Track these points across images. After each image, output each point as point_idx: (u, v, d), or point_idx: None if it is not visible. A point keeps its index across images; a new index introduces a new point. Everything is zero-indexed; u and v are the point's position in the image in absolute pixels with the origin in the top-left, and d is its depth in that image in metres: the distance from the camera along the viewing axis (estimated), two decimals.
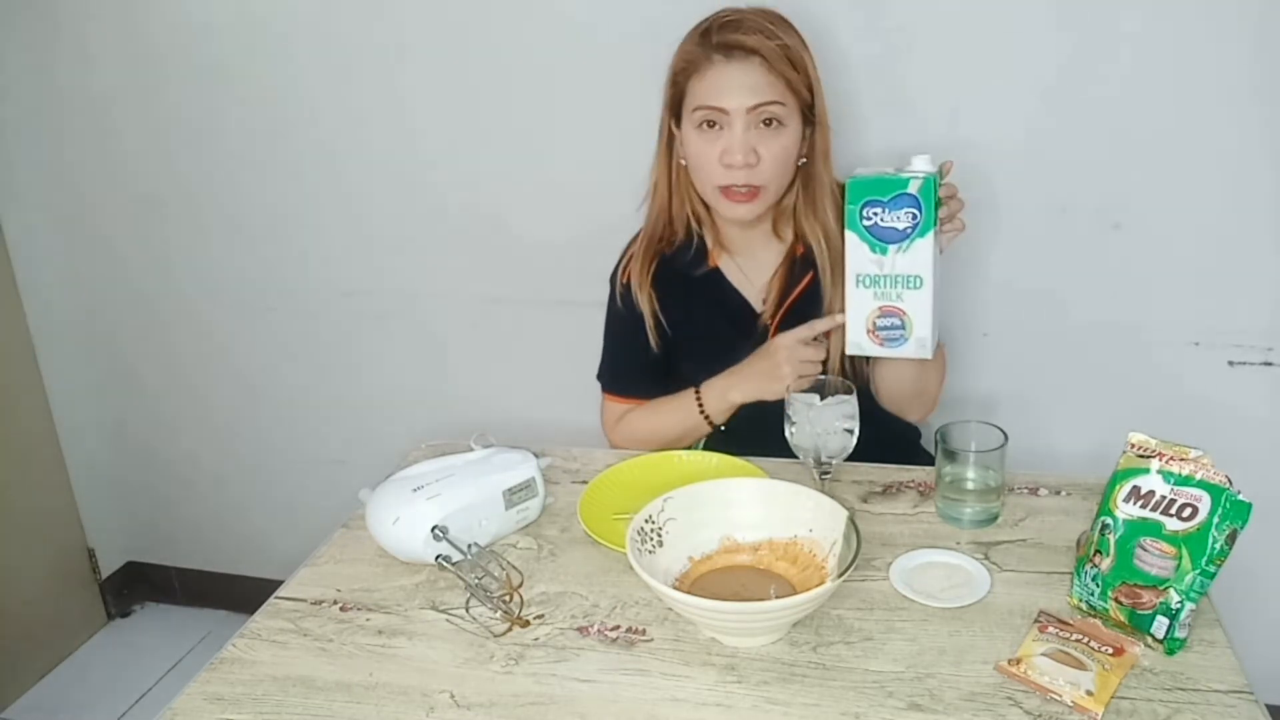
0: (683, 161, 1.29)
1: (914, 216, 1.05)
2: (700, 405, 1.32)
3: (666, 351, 1.37)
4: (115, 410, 2.17)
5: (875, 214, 1.06)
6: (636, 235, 1.39)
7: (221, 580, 2.27)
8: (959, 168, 1.51)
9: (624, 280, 1.38)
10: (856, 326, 1.12)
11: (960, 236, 1.13)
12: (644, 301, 1.34)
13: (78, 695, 2.06)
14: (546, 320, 1.81)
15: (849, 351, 1.15)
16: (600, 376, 1.45)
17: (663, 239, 1.35)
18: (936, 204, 1.05)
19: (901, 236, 1.06)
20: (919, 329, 1.09)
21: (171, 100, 1.84)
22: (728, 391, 1.29)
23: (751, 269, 1.35)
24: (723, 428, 1.34)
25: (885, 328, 1.11)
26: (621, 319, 1.39)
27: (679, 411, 1.34)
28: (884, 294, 1.09)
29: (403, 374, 1.95)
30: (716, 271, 1.35)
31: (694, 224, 1.34)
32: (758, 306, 1.35)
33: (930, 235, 1.05)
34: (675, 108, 1.26)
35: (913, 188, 1.04)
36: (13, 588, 2.03)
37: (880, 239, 1.07)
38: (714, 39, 1.19)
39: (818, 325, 1.21)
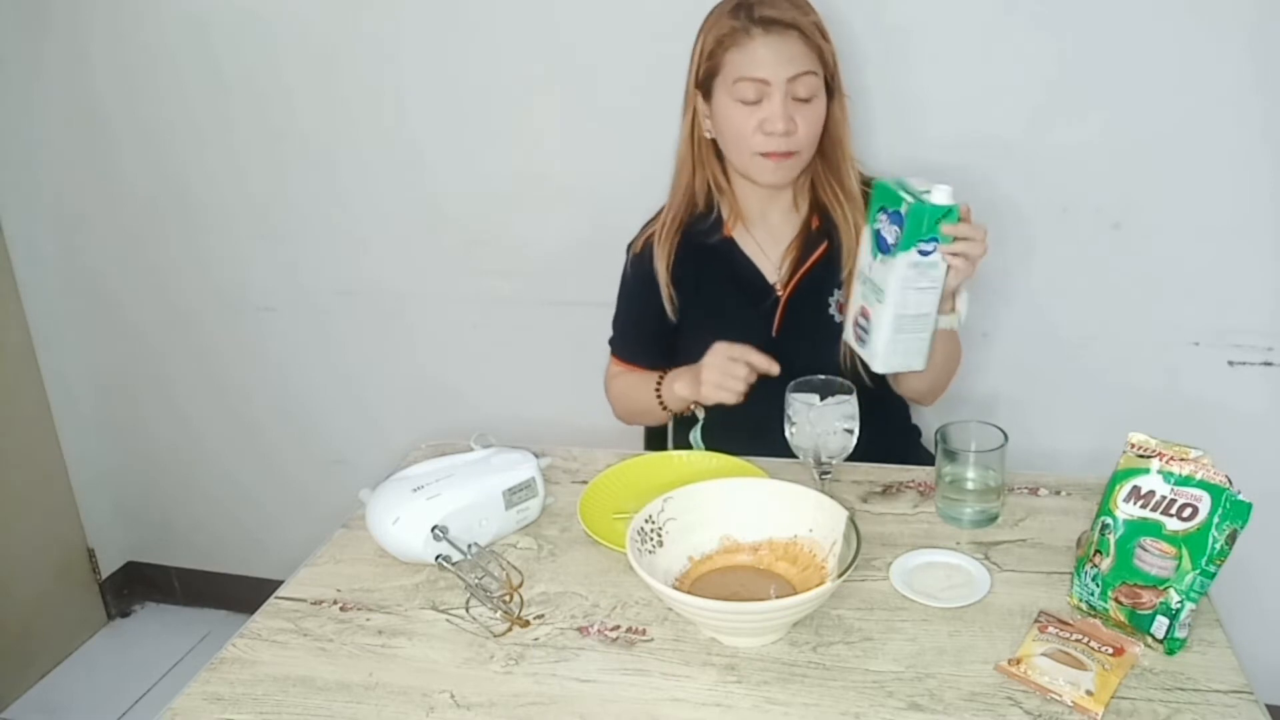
0: (707, 134, 1.32)
1: (897, 235, 1.06)
2: (658, 387, 1.36)
3: (677, 322, 1.40)
4: (115, 410, 2.17)
5: (882, 220, 1.08)
6: (660, 211, 1.41)
7: (221, 580, 2.27)
8: (960, 167, 1.52)
9: (639, 249, 1.40)
10: (850, 315, 1.17)
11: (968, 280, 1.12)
12: (661, 271, 1.37)
13: (78, 695, 2.06)
14: (546, 320, 1.81)
15: (844, 336, 1.19)
16: (610, 338, 1.49)
17: (684, 211, 1.38)
18: (923, 232, 1.04)
19: (887, 248, 1.08)
20: (875, 340, 1.11)
21: (173, 100, 1.84)
22: (674, 381, 1.34)
23: (766, 240, 1.37)
24: (691, 415, 1.37)
25: (860, 326, 1.14)
26: (631, 287, 1.43)
27: (643, 388, 1.39)
28: (865, 294, 1.13)
29: (403, 374, 1.95)
30: (730, 241, 1.37)
31: (715, 192, 1.37)
32: (770, 278, 1.37)
33: (902, 257, 1.05)
34: (706, 82, 1.29)
35: (903, 208, 1.05)
36: (13, 588, 2.03)
37: (878, 243, 1.10)
38: (754, 14, 1.23)
39: (754, 357, 1.23)
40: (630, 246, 1.43)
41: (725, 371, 1.23)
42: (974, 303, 1.56)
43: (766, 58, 1.22)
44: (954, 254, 1.07)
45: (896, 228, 1.05)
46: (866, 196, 1.32)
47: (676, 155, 1.37)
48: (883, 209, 1.08)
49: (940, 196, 1.05)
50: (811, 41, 1.23)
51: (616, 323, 1.48)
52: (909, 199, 1.04)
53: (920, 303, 1.08)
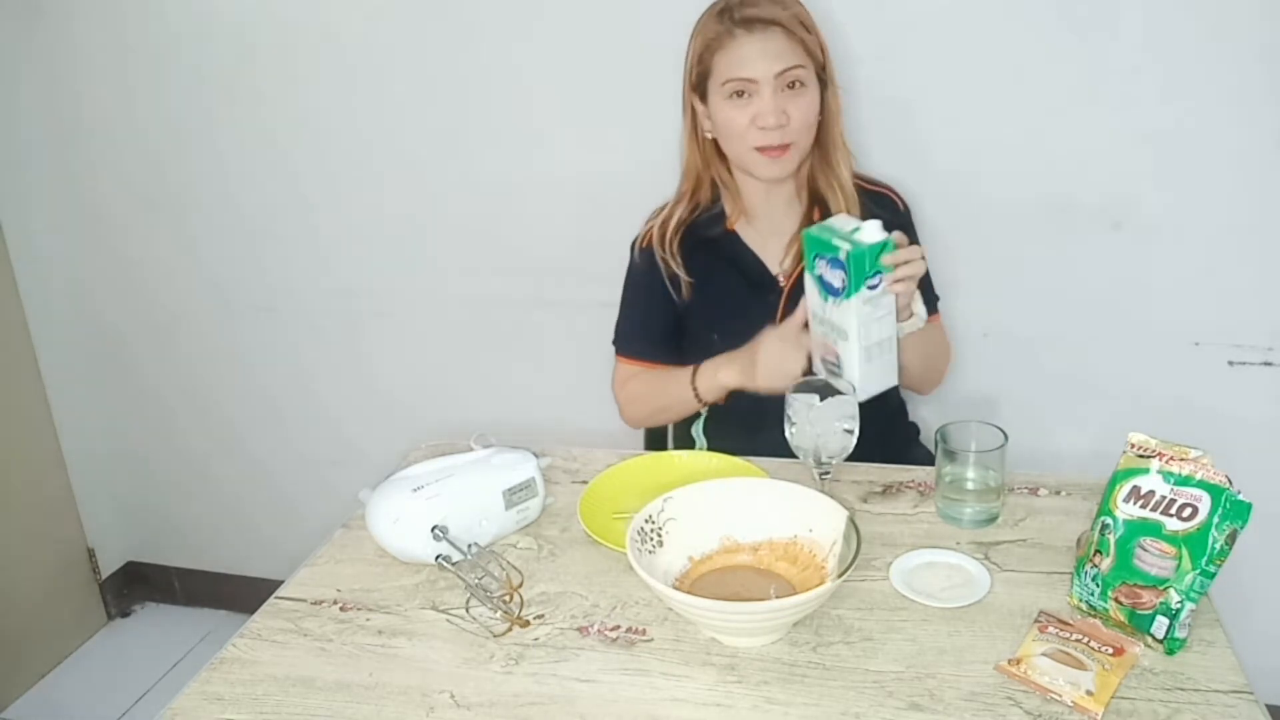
0: (708, 135, 1.34)
1: (843, 279, 1.09)
2: (694, 379, 1.35)
3: (682, 314, 1.40)
4: (115, 410, 2.17)
5: (822, 266, 1.12)
6: (663, 206, 1.42)
7: (221, 580, 2.27)
8: (960, 169, 1.52)
9: (644, 244, 1.41)
10: (816, 353, 1.20)
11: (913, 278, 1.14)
12: (671, 261, 1.37)
13: (78, 695, 2.06)
14: (546, 320, 1.81)
15: (815, 369, 1.21)
16: (614, 339, 1.48)
17: (689, 209, 1.39)
18: (867, 271, 1.09)
19: (836, 292, 1.11)
20: (848, 372, 1.15)
21: (171, 101, 1.84)
22: (718, 371, 1.32)
23: (768, 233, 1.39)
24: (704, 412, 1.37)
25: (829, 362, 1.18)
26: (637, 283, 1.44)
27: (675, 383, 1.37)
28: (826, 334, 1.16)
29: (403, 374, 1.95)
30: (734, 234, 1.39)
31: (720, 187, 1.39)
32: (773, 269, 1.38)
33: (855, 299, 1.09)
34: (700, 85, 1.31)
35: (841, 254, 1.08)
36: (13, 588, 2.03)
37: (824, 288, 1.13)
38: (735, 15, 1.26)
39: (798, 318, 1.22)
40: (635, 243, 1.43)
41: (784, 356, 1.22)
42: (973, 302, 1.58)
43: (751, 56, 1.24)
44: (898, 280, 1.11)
45: (841, 273, 1.09)
46: (862, 191, 1.35)
47: (683, 159, 1.39)
48: (819, 256, 1.12)
49: (872, 233, 1.10)
50: (795, 36, 1.25)
51: (625, 324, 1.47)
52: (845, 245, 1.08)
53: (881, 330, 1.14)
